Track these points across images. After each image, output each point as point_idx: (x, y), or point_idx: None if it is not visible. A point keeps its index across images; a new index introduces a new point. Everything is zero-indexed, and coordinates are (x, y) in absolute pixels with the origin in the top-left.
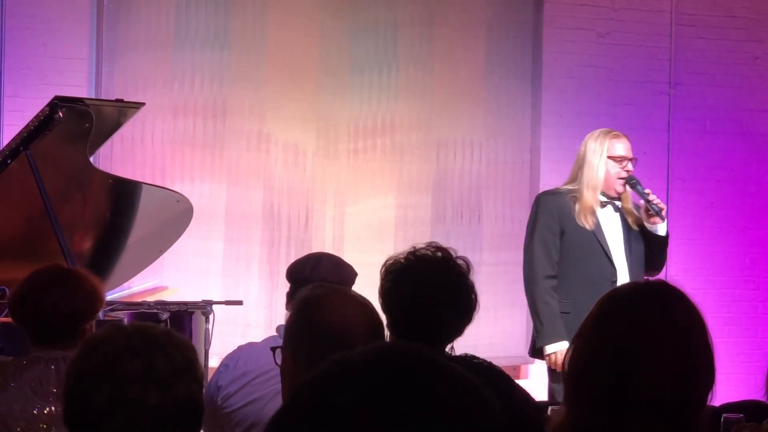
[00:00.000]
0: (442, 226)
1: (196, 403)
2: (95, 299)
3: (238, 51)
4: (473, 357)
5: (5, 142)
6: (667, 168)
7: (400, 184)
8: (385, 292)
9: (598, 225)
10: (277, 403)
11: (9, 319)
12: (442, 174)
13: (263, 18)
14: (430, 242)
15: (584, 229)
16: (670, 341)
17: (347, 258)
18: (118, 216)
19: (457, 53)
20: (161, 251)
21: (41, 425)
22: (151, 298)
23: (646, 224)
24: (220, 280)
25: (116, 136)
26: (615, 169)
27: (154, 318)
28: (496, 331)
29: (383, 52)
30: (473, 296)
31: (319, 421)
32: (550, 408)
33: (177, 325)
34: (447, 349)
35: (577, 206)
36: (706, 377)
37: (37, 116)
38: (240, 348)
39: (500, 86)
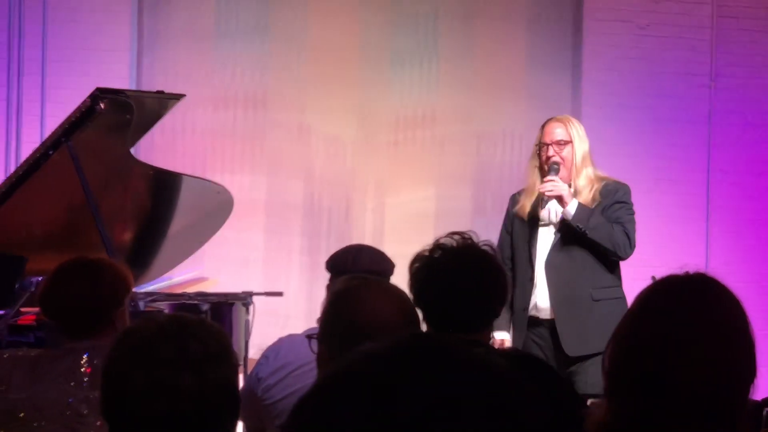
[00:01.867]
0: (483, 217)
1: (232, 389)
2: (120, 287)
3: (278, 42)
4: (515, 349)
5: (47, 133)
6: (707, 161)
7: (440, 176)
8: (413, 288)
9: (532, 224)
10: None
11: None
12: (482, 166)
13: (304, 9)
14: (451, 232)
15: (522, 223)
16: (711, 334)
17: (387, 249)
18: (158, 207)
19: (497, 45)
20: (201, 242)
21: (75, 414)
22: (191, 289)
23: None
24: (261, 271)
25: (157, 128)
26: (544, 156)
27: (195, 309)
28: None
29: (424, 44)
30: (501, 277)
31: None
32: (590, 401)
33: (217, 316)
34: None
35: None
36: (748, 371)
37: (78, 108)
38: (280, 340)
39: (540, 78)
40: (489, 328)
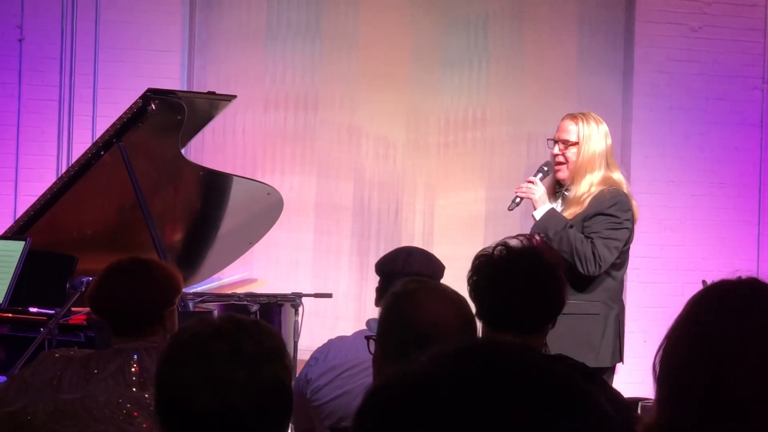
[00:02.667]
0: (533, 220)
1: (285, 388)
2: (170, 287)
3: (329, 44)
4: (567, 358)
5: (99, 133)
6: (759, 163)
7: (490, 178)
8: (474, 286)
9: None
10: None
11: None
12: (532, 168)
13: (355, 11)
14: (519, 234)
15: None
16: (765, 339)
17: (436, 251)
18: (208, 208)
19: (548, 47)
20: (251, 243)
21: (125, 414)
22: (241, 290)
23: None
24: (310, 273)
25: (208, 128)
26: (551, 151)
27: (244, 310)
28: None
29: (474, 47)
30: (560, 284)
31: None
32: (640, 405)
33: (266, 317)
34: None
35: None
36: None
37: (130, 108)
38: (330, 341)
39: (591, 80)
40: (542, 333)
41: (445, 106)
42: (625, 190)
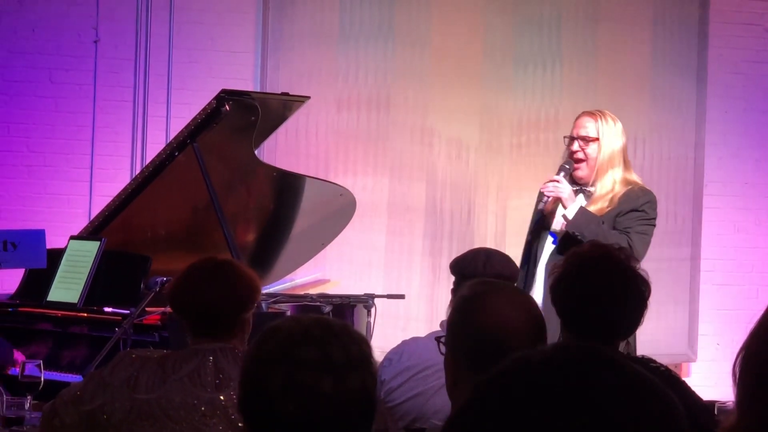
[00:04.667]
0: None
1: (370, 397)
2: (252, 290)
3: (402, 44)
4: (650, 360)
5: (173, 134)
6: None
7: None
8: (554, 290)
9: (543, 222)
10: (440, 397)
11: None
12: None
13: (427, 11)
14: (589, 241)
15: (537, 224)
16: None
17: (509, 252)
18: (281, 208)
19: (621, 48)
20: (324, 244)
21: (200, 415)
22: (313, 291)
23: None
24: (382, 273)
25: (281, 129)
26: (569, 150)
27: (317, 310)
28: (659, 328)
29: (547, 47)
30: (644, 290)
31: (498, 420)
32: (716, 407)
33: (339, 318)
34: (621, 349)
35: None
36: None
37: (204, 109)
38: (404, 342)
39: (665, 81)
40: (624, 337)
41: (518, 106)
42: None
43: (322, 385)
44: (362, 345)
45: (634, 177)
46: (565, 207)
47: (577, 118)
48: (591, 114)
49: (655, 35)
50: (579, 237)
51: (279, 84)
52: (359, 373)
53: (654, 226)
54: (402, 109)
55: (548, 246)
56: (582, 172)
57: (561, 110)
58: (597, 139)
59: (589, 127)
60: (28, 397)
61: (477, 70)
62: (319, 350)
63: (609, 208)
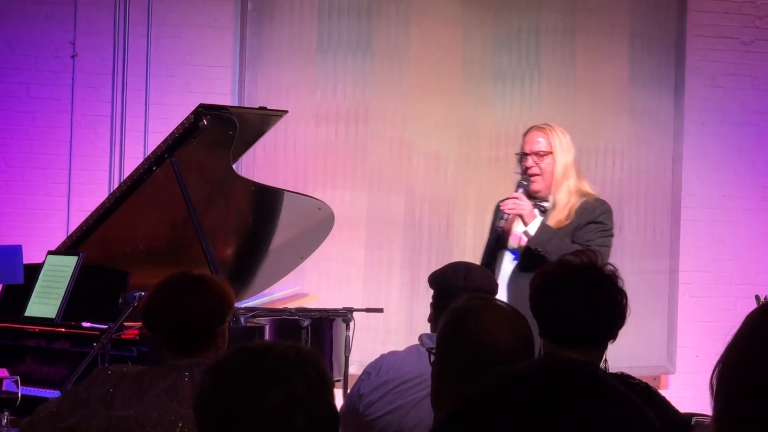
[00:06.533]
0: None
1: (336, 415)
2: (224, 304)
3: (380, 58)
4: (629, 377)
5: (150, 149)
6: None
7: None
8: (538, 302)
9: (501, 240)
10: (420, 410)
11: None
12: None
13: (406, 25)
14: (576, 250)
15: (498, 230)
16: None
17: None
18: (260, 223)
19: (599, 61)
20: (302, 258)
21: (178, 431)
22: (292, 305)
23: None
24: (361, 287)
25: (259, 144)
26: (523, 167)
27: (295, 325)
28: (638, 341)
29: (525, 60)
30: (623, 300)
31: None
32: (694, 420)
33: (317, 332)
34: (601, 365)
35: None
36: None
37: (181, 123)
38: (382, 356)
39: (643, 94)
40: (604, 347)
41: (497, 120)
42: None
43: (296, 424)
44: (317, 363)
45: (587, 187)
46: (526, 223)
47: (526, 133)
48: (540, 128)
49: (632, 48)
50: (542, 253)
51: (257, 98)
52: (324, 398)
53: (612, 235)
54: (380, 122)
55: (507, 264)
56: (538, 185)
57: (539, 123)
58: (550, 152)
59: (541, 142)
60: (6, 413)
61: (456, 84)
62: (285, 390)
63: (567, 221)
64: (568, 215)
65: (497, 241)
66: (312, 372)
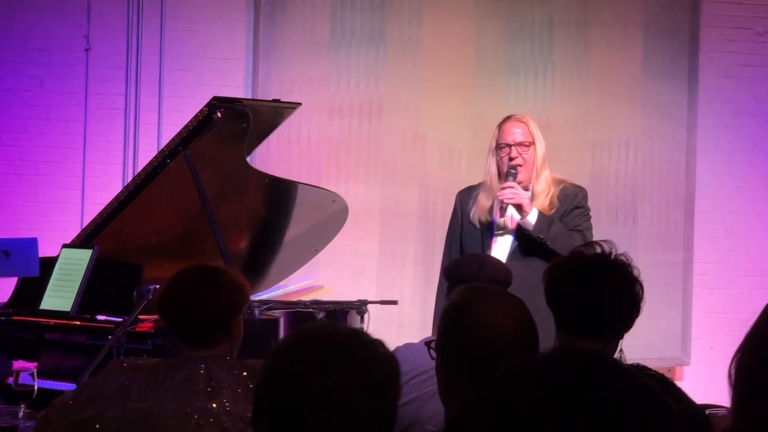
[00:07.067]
0: (597, 226)
1: (394, 417)
2: (239, 296)
3: (393, 51)
4: (645, 368)
5: (164, 142)
6: None
7: None
8: (549, 290)
9: (489, 225)
10: (435, 402)
11: None
12: (597, 174)
13: (419, 18)
14: (590, 241)
15: (474, 228)
16: None
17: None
18: (274, 215)
19: (613, 53)
20: (316, 250)
21: (194, 423)
22: (306, 297)
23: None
24: (375, 280)
25: (273, 136)
26: (506, 158)
27: (310, 317)
28: (652, 333)
29: (539, 53)
30: (638, 289)
31: (499, 425)
32: (708, 411)
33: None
34: (616, 355)
35: (473, 204)
36: None
37: (195, 116)
38: (397, 349)
39: (656, 86)
40: (618, 338)
41: (510, 112)
42: None
43: (360, 404)
44: (393, 362)
45: (558, 175)
46: (526, 212)
47: (503, 124)
48: (519, 120)
49: (646, 40)
50: (544, 240)
51: (270, 91)
52: (392, 392)
53: (591, 217)
54: (394, 115)
55: (502, 251)
56: (521, 176)
57: (553, 116)
58: (533, 143)
59: (522, 133)
60: (22, 406)
61: (469, 76)
62: (363, 366)
63: (551, 210)
64: (551, 203)
65: (490, 229)
66: (387, 363)
